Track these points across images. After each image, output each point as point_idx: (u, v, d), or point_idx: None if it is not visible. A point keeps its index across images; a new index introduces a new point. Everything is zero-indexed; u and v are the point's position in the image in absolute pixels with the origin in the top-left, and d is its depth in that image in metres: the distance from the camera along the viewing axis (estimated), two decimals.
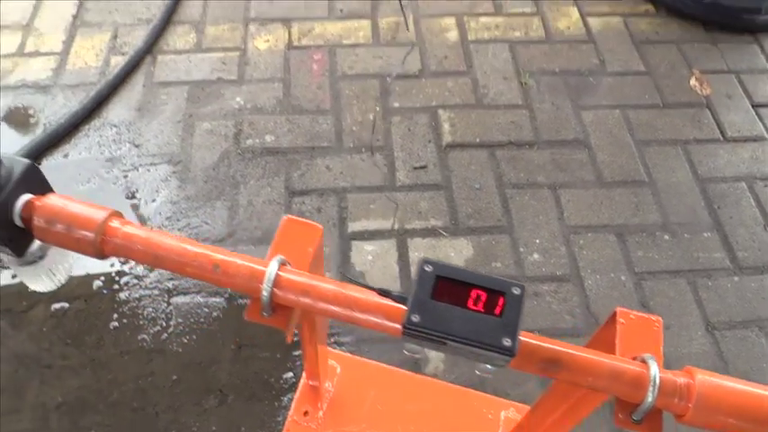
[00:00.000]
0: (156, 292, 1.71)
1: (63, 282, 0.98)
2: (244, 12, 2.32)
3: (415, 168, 1.93)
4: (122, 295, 1.70)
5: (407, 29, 2.23)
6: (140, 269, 1.73)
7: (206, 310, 1.69)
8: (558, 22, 2.32)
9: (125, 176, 1.90)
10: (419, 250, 1.77)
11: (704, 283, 1.75)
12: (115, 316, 1.68)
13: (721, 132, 2.03)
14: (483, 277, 0.65)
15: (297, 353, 1.63)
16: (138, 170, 1.93)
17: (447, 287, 0.67)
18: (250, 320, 0.82)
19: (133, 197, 1.87)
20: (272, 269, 0.80)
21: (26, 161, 0.82)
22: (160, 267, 0.84)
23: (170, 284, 1.72)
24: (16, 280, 1.72)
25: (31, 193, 0.83)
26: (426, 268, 0.67)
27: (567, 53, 2.22)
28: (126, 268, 1.74)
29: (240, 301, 1.70)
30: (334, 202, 1.86)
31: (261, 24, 2.29)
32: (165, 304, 1.69)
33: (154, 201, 1.85)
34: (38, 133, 1.97)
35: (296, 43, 2.23)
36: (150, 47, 2.20)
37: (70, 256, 0.99)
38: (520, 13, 2.34)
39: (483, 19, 2.31)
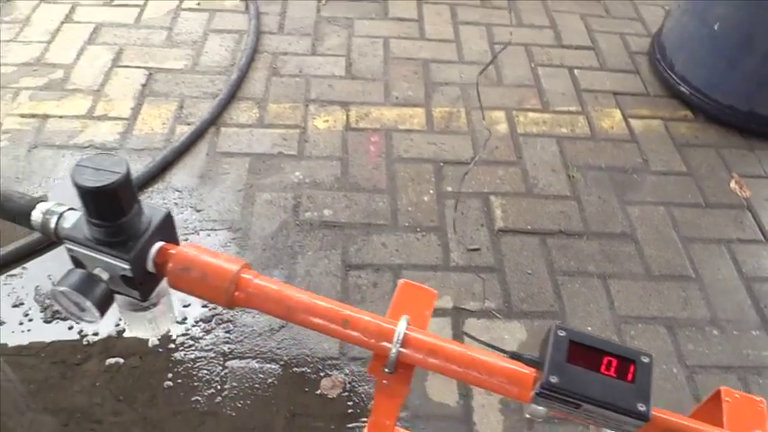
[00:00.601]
0: (211, 354, 1.72)
1: (162, 333, 1.01)
2: (304, 92, 2.46)
3: (469, 250, 1.99)
4: (178, 355, 1.70)
5: (483, 118, 2.34)
6: (197, 330, 1.74)
7: (261, 376, 1.69)
8: (601, 121, 2.45)
9: (185, 240, 1.95)
10: (474, 330, 1.79)
11: (755, 380, 1.76)
12: (169, 375, 1.67)
13: (763, 234, 2.11)
14: (612, 344, 0.68)
15: (351, 425, 1.62)
16: (198, 234, 1.98)
17: (580, 352, 0.70)
18: (372, 375, 0.85)
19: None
20: (400, 328, 0.84)
21: (164, 211, 0.88)
22: (289, 320, 0.88)
23: (226, 348, 1.73)
24: (71, 333, 1.73)
25: (164, 240, 0.87)
26: (560, 333, 0.70)
27: (611, 151, 2.34)
28: (182, 329, 1.75)
29: (295, 369, 1.70)
30: (389, 278, 1.90)
31: (320, 105, 2.41)
32: (221, 367, 1.69)
33: None
34: None
35: (354, 125, 2.35)
36: (215, 119, 2.31)
37: (174, 311, 1.02)
38: (566, 111, 2.48)
39: (531, 114, 2.44)
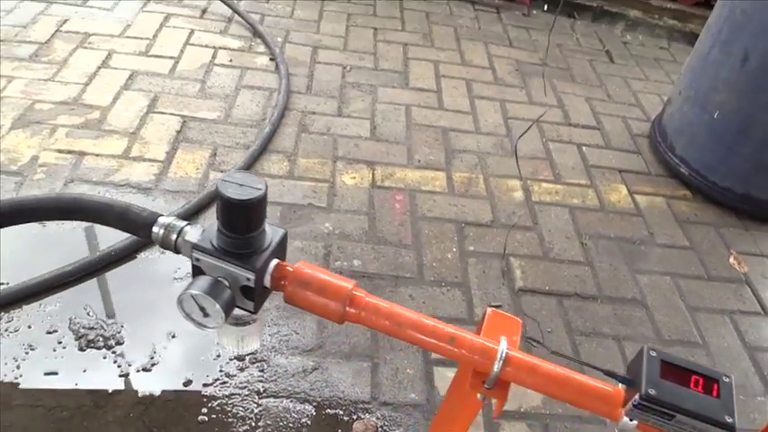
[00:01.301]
0: (245, 391, 1.74)
1: (248, 351, 1.08)
2: (332, 149, 2.58)
3: (491, 306, 2.07)
4: (212, 390, 1.73)
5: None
6: (232, 367, 1.77)
7: (294, 415, 1.71)
8: (609, 195, 2.62)
9: None
10: None
11: None
12: (204, 410, 1.69)
13: (762, 307, 2.25)
14: (697, 365, 0.79)
15: None
16: None
17: (671, 370, 0.81)
18: (473, 390, 0.93)
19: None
20: (503, 347, 0.93)
21: (282, 231, 0.97)
22: (398, 336, 0.96)
23: (260, 386, 1.75)
24: (106, 362, 1.74)
25: (278, 258, 0.96)
26: (651, 353, 0.81)
27: (619, 222, 2.49)
28: (216, 365, 1.78)
29: (328, 410, 1.74)
30: None
31: (347, 163, 2.53)
32: (255, 405, 1.72)
33: None
34: None
35: (379, 183, 2.47)
36: (248, 168, 2.41)
37: (260, 334, 1.10)
38: (576, 183, 2.65)
39: (545, 185, 2.60)
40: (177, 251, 0.96)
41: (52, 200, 0.97)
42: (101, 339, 1.79)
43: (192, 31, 3.16)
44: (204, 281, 0.88)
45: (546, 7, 4.17)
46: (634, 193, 2.65)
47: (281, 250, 0.97)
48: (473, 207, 2.45)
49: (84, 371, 1.72)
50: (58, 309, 1.83)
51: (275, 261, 0.94)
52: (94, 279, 1.95)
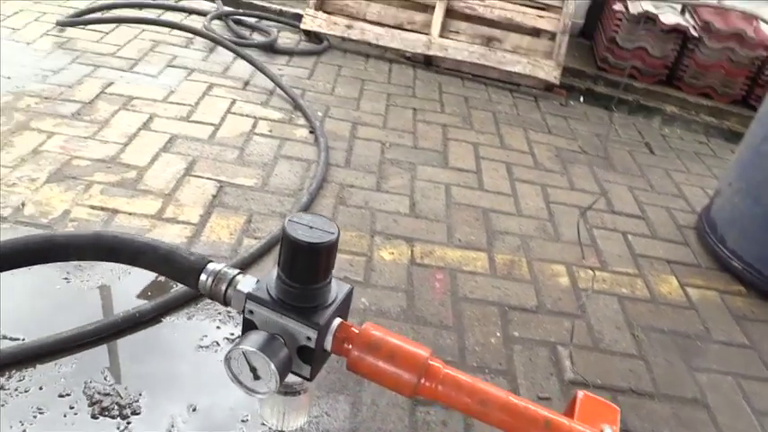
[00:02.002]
0: None
1: (292, 428, 0.93)
2: (370, 223, 2.49)
3: (540, 398, 1.90)
4: None
5: None
6: None
7: None
8: (659, 286, 2.47)
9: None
10: None
11: None
12: None
13: None
14: None
15: None
16: None
17: None
18: None
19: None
20: None
21: (348, 286, 0.85)
22: (481, 417, 0.82)
23: None
24: None
25: (341, 317, 0.84)
26: None
27: (671, 315, 2.33)
28: None
29: None
30: (459, 418, 1.79)
31: (386, 238, 2.43)
32: None
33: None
34: (169, 292, 1.97)
35: (418, 261, 2.35)
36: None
37: (309, 407, 0.96)
38: (624, 272, 2.51)
39: (591, 272, 2.47)
40: (226, 303, 0.85)
41: (89, 237, 0.87)
42: (116, 407, 1.63)
43: (233, 101, 3.18)
44: (259, 336, 0.76)
45: (582, 99, 4.19)
46: (685, 286, 2.50)
47: (344, 309, 0.85)
48: (517, 290, 2.31)
49: None
50: (74, 370, 1.69)
51: (338, 320, 0.82)
52: (115, 341, 1.82)
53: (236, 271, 0.85)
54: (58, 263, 1.99)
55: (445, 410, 1.81)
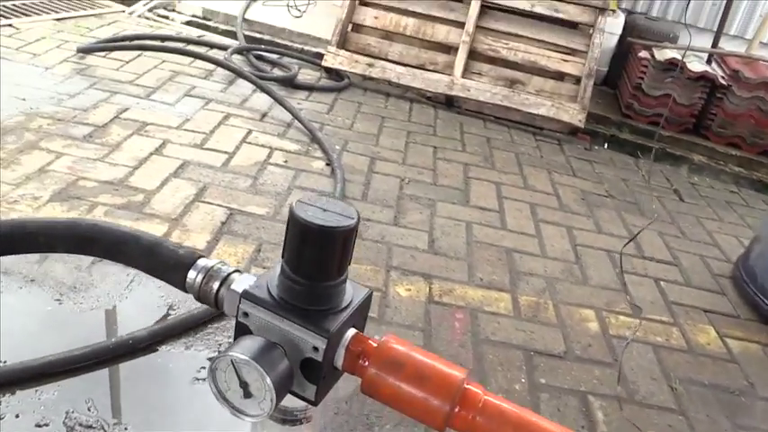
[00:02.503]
0: None
1: None
2: (386, 258, 2.34)
3: None
4: None
5: None
6: None
7: None
8: (697, 336, 2.28)
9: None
10: None
11: None
12: None
13: None
14: None
15: None
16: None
17: None
18: None
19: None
20: None
21: (367, 290, 0.69)
22: None
23: None
24: None
25: (355, 328, 0.67)
26: None
27: (712, 367, 2.14)
28: None
29: None
30: None
31: (402, 274, 2.28)
32: None
33: None
34: (166, 319, 1.83)
35: (437, 299, 2.19)
36: None
37: None
38: (658, 320, 2.33)
39: (622, 317, 2.29)
40: (218, 306, 0.70)
41: (64, 224, 0.73)
42: None
43: (249, 131, 3.09)
44: (253, 343, 0.61)
45: (606, 145, 4.08)
46: (724, 337, 2.31)
47: (360, 317, 0.69)
48: (542, 334, 2.13)
49: None
50: (56, 398, 1.53)
51: (353, 330, 0.66)
52: (105, 369, 1.66)
53: (233, 268, 0.71)
54: (48, 285, 1.87)
55: None
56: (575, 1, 3.95)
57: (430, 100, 4.09)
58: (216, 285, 0.69)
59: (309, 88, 3.83)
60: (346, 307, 0.64)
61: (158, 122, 2.97)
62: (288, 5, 5.04)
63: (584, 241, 2.77)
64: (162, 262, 0.72)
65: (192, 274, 0.70)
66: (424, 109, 3.98)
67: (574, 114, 3.83)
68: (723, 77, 4.09)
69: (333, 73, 4.12)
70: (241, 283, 0.68)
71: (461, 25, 4.03)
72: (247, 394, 0.60)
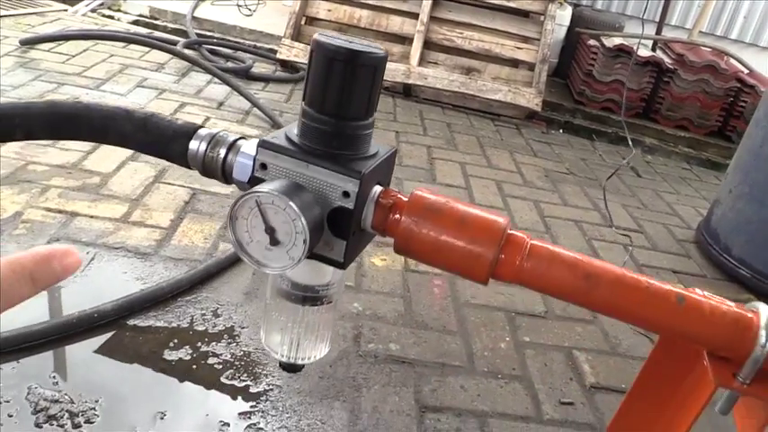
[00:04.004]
0: None
1: (306, 359, 0.70)
2: None
3: (563, 403, 1.67)
4: None
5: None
6: None
7: None
8: None
9: (230, 356, 1.60)
10: None
11: None
12: None
13: None
14: None
15: None
16: (241, 351, 1.64)
17: None
18: (716, 383, 0.58)
19: (233, 378, 1.54)
20: (767, 316, 0.59)
21: (392, 147, 0.64)
22: (583, 301, 0.61)
23: None
24: None
25: (380, 185, 0.62)
26: None
27: None
28: None
29: None
30: (475, 425, 1.55)
31: (377, 246, 2.23)
32: None
33: (257, 387, 1.53)
34: (134, 292, 1.71)
35: (413, 267, 2.15)
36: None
37: (326, 342, 0.73)
38: None
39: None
40: (225, 175, 0.64)
41: (40, 105, 0.65)
42: (66, 415, 1.35)
43: (207, 118, 3.00)
44: (281, 182, 0.55)
45: (561, 131, 4.14)
46: None
47: (386, 173, 0.63)
48: (522, 296, 2.11)
49: None
50: (16, 374, 1.41)
51: (379, 187, 0.61)
52: (71, 345, 1.54)
53: (238, 135, 0.65)
54: None
55: (457, 416, 1.56)
56: None
57: (388, 90, 4.07)
58: (223, 151, 0.63)
59: (265, 79, 3.75)
60: (375, 155, 0.59)
61: None
62: (238, 5, 4.97)
63: (552, 213, 2.78)
64: (159, 135, 0.65)
65: (194, 144, 0.63)
66: (382, 98, 3.95)
67: (530, 98, 3.88)
68: (669, 62, 4.23)
69: (288, 65, 4.06)
70: (250, 146, 0.62)
71: (415, 16, 4.04)
72: (274, 242, 0.54)
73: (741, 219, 2.47)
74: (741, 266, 2.43)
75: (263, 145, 0.57)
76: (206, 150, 0.63)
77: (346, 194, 0.55)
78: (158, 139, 0.64)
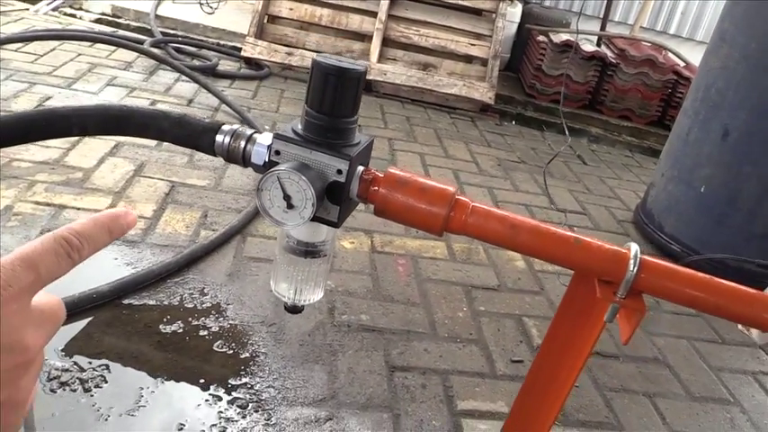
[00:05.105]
0: None
1: (300, 302, 0.92)
2: None
3: (513, 361, 1.91)
4: None
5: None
6: (232, 413, 1.51)
7: None
8: None
9: (218, 328, 1.79)
10: None
11: None
12: None
13: None
14: None
15: None
16: (228, 324, 1.82)
17: None
18: (603, 300, 0.80)
19: (223, 347, 1.72)
20: (635, 250, 0.82)
21: (370, 136, 0.86)
22: (510, 244, 0.83)
23: None
24: (82, 405, 1.46)
25: (363, 165, 0.83)
26: None
27: None
28: (217, 410, 1.52)
29: None
30: (437, 381, 1.77)
31: (344, 231, 2.43)
32: None
33: (245, 353, 1.72)
34: (127, 275, 1.88)
35: (379, 249, 2.36)
36: (242, 227, 2.27)
37: (321, 288, 0.94)
38: None
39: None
40: (245, 161, 0.83)
41: (93, 108, 0.84)
42: (77, 381, 1.52)
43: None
44: (294, 163, 0.76)
45: (514, 122, 4.41)
46: None
47: (366, 156, 0.84)
48: (477, 272, 2.35)
49: (53, 415, 1.44)
50: None
51: (361, 168, 0.82)
52: (74, 323, 1.70)
53: (253, 130, 0.85)
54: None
55: (422, 374, 1.78)
56: None
57: None
58: (243, 143, 0.82)
59: (231, 77, 3.90)
60: (358, 143, 0.80)
61: None
62: (200, 3, 5.08)
63: (505, 198, 3.03)
64: (192, 130, 0.84)
65: (219, 138, 0.83)
66: None
67: (484, 92, 4.13)
68: (612, 56, 4.54)
69: (252, 63, 4.21)
70: (264, 138, 0.82)
71: (374, 14, 4.24)
72: (290, 206, 0.74)
73: (672, 199, 2.77)
74: (672, 242, 2.73)
75: (277, 137, 0.78)
76: (230, 142, 0.83)
77: (339, 172, 0.76)
78: (191, 133, 0.84)
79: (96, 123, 0.85)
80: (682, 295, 0.78)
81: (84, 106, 0.84)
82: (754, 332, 0.80)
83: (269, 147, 0.79)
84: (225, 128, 0.83)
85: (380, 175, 0.80)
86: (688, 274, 0.79)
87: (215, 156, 0.85)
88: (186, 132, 0.85)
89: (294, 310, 0.90)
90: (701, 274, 0.79)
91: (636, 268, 0.78)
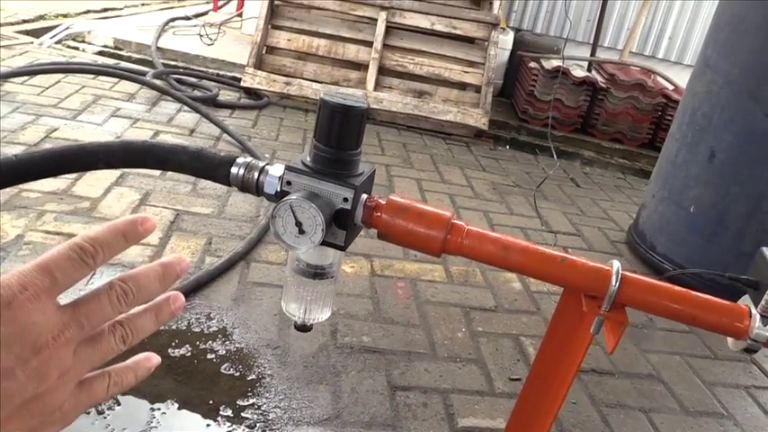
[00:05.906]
0: None
1: (309, 320, 0.99)
2: None
3: (512, 380, 1.97)
4: None
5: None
6: None
7: None
8: None
9: (225, 352, 1.84)
10: None
11: None
12: None
13: None
14: None
15: None
16: (235, 347, 1.88)
17: None
18: (589, 313, 0.87)
19: (230, 369, 1.78)
20: (617, 266, 0.89)
21: (372, 166, 0.94)
22: (503, 263, 0.90)
23: None
24: (89, 417, 1.51)
25: (366, 193, 0.91)
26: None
27: None
28: (226, 430, 1.57)
29: None
30: (438, 400, 1.82)
31: (345, 255, 2.49)
32: None
33: (251, 375, 1.77)
34: None
35: (379, 273, 2.43)
36: (246, 253, 2.34)
37: (329, 308, 1.02)
38: None
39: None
40: (259, 191, 0.91)
41: (117, 143, 0.92)
42: None
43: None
44: (304, 192, 0.83)
45: (508, 147, 4.50)
46: None
47: (370, 185, 0.92)
48: (475, 294, 2.41)
49: None
50: None
51: (365, 196, 0.89)
52: None
53: (265, 162, 0.92)
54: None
55: (423, 393, 1.84)
56: (470, 18, 4.39)
57: None
58: (256, 174, 0.90)
59: (231, 107, 4.00)
60: (362, 173, 0.88)
61: (90, 140, 3.04)
62: (199, 34, 5.21)
63: (500, 221, 3.11)
64: (208, 163, 0.92)
65: (234, 170, 0.90)
66: None
67: (478, 118, 4.23)
68: (602, 81, 4.66)
69: (252, 93, 4.31)
70: (275, 169, 0.89)
71: (370, 44, 4.36)
72: (301, 231, 0.81)
73: (663, 220, 2.85)
74: (664, 261, 2.80)
75: (289, 169, 0.85)
76: (244, 173, 0.90)
77: (345, 200, 0.83)
78: (208, 165, 0.91)
79: (121, 158, 0.92)
80: (660, 307, 0.85)
81: (109, 142, 0.91)
82: (729, 340, 0.87)
83: (280, 177, 0.86)
84: (239, 161, 0.91)
85: (382, 202, 0.88)
86: (666, 288, 0.86)
87: (230, 186, 0.92)
88: (203, 165, 0.92)
89: (303, 328, 0.96)
90: (677, 288, 0.86)
91: (618, 283, 0.85)
